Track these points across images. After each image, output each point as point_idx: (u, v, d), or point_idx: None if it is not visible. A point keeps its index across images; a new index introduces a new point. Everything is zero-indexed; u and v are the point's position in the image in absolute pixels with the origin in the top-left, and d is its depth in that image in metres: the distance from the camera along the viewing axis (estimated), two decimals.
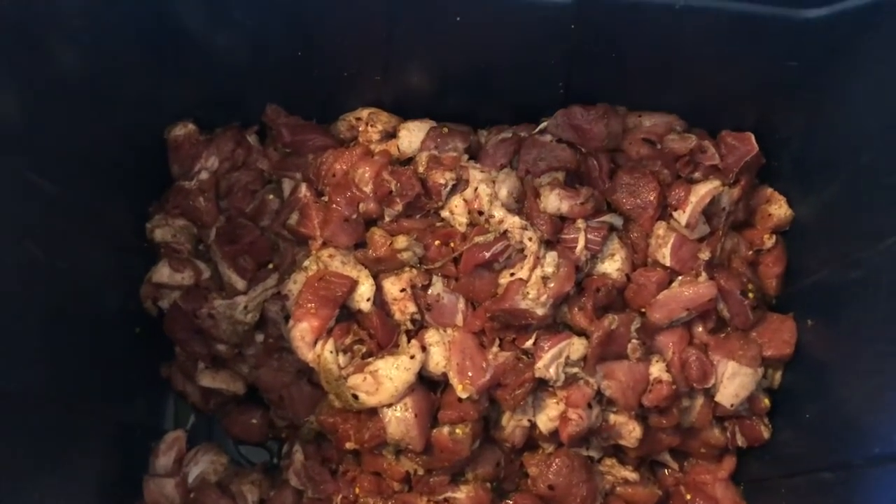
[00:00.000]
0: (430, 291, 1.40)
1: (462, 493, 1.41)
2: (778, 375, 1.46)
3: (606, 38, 1.24)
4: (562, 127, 1.39)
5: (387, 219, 1.42)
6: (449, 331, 1.39)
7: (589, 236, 1.37)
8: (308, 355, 1.36)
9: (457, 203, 1.39)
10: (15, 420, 1.16)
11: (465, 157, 1.43)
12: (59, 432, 1.30)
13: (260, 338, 1.48)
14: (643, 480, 1.48)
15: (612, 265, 1.39)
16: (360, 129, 1.49)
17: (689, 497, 1.49)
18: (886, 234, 1.21)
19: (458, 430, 1.36)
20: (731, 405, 1.39)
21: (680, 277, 1.39)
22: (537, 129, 1.43)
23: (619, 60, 1.30)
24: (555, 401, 1.38)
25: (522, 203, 1.38)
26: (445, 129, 1.44)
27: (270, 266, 1.49)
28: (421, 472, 1.41)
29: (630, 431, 1.40)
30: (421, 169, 1.41)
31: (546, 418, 1.38)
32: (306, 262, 1.42)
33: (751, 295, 1.40)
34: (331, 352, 1.35)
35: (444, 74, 1.40)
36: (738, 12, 1.16)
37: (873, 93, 1.22)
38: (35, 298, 1.24)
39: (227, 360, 1.50)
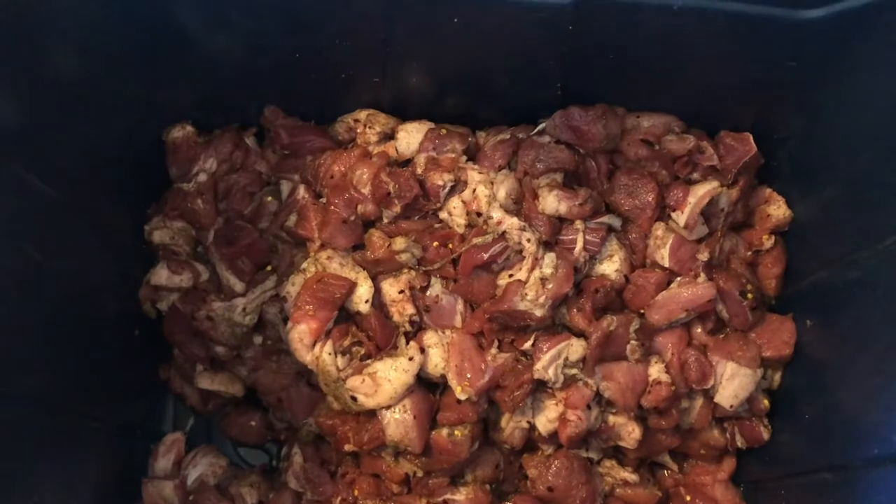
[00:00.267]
0: (428, 293, 1.40)
1: (461, 494, 1.41)
2: (777, 376, 1.46)
3: (604, 38, 1.24)
4: (560, 128, 1.39)
5: (385, 220, 1.42)
6: (448, 332, 1.39)
7: (587, 237, 1.37)
8: (306, 357, 1.36)
9: (455, 204, 1.39)
10: (13, 422, 1.16)
11: (464, 158, 1.42)
12: (58, 435, 1.30)
13: (258, 340, 1.48)
14: (643, 482, 1.47)
15: (610, 266, 1.39)
16: (359, 130, 1.49)
17: (688, 498, 1.48)
18: (885, 234, 1.21)
19: (456, 432, 1.36)
20: (731, 406, 1.39)
21: (679, 278, 1.39)
22: (535, 131, 1.43)
23: (616, 61, 1.30)
24: (554, 402, 1.38)
25: (521, 204, 1.38)
26: (444, 131, 1.44)
27: (269, 268, 1.49)
28: (420, 473, 1.41)
29: (629, 433, 1.40)
30: (419, 170, 1.41)
31: (545, 420, 1.38)
32: (305, 264, 1.42)
33: (750, 296, 1.39)
34: (329, 353, 1.34)
35: (442, 76, 1.40)
36: (736, 12, 1.15)
37: (872, 93, 1.22)
38: (33, 301, 1.23)
39: (226, 362, 1.50)
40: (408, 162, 1.46)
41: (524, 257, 1.35)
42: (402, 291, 1.39)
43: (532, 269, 1.33)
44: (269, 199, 1.51)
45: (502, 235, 1.35)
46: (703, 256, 1.38)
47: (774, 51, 1.24)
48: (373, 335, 1.38)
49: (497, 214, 1.36)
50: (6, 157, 1.16)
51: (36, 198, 1.24)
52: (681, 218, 1.37)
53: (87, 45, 1.26)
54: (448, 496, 1.41)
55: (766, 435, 1.44)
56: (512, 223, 1.35)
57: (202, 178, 1.51)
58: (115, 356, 1.47)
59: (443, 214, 1.41)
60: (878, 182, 1.24)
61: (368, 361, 1.35)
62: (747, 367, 1.38)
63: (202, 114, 1.52)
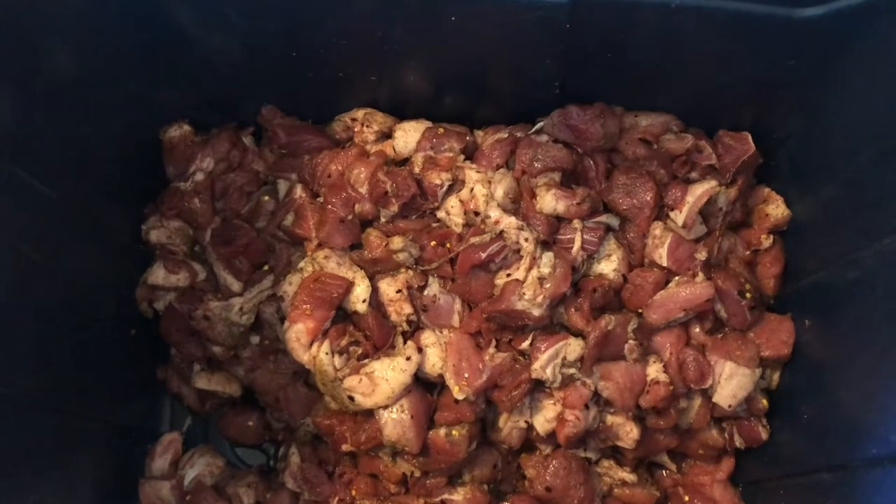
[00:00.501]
0: (426, 292, 1.40)
1: (459, 494, 1.40)
2: (776, 376, 1.45)
3: (602, 37, 1.24)
4: (558, 127, 1.39)
5: (382, 220, 1.42)
6: (445, 332, 1.39)
7: (585, 237, 1.36)
8: (304, 357, 1.36)
9: (453, 204, 1.39)
10: (10, 423, 1.16)
11: (461, 157, 1.42)
12: (55, 435, 1.29)
13: (255, 339, 1.48)
14: (641, 482, 1.47)
15: (608, 266, 1.39)
16: (356, 129, 1.49)
17: (687, 498, 1.48)
18: (884, 233, 1.20)
19: (454, 432, 1.36)
20: (729, 406, 1.39)
21: (677, 278, 1.38)
22: (533, 130, 1.42)
23: (614, 60, 1.29)
24: (552, 402, 1.38)
25: (519, 203, 1.37)
26: (441, 130, 1.44)
27: (266, 267, 1.48)
28: (417, 473, 1.41)
29: (627, 432, 1.39)
30: (417, 169, 1.41)
31: (543, 419, 1.38)
32: (302, 264, 1.41)
33: (748, 295, 1.39)
34: (326, 353, 1.34)
35: (440, 75, 1.39)
36: (734, 11, 1.15)
37: (870, 92, 1.22)
38: (29, 301, 1.23)
39: (223, 362, 1.50)
40: (405, 161, 1.45)
41: (522, 257, 1.34)
42: (399, 291, 1.39)
43: (530, 269, 1.33)
44: (267, 198, 1.51)
45: (500, 235, 1.35)
46: (702, 256, 1.38)
47: (773, 49, 1.23)
48: (370, 335, 1.37)
49: (495, 214, 1.35)
50: (2, 157, 1.16)
51: (32, 197, 1.24)
52: (679, 217, 1.37)
53: (84, 45, 1.25)
54: (446, 496, 1.40)
55: (764, 435, 1.44)
56: (510, 222, 1.34)
57: (199, 177, 1.51)
58: (112, 356, 1.47)
59: (440, 214, 1.40)
60: (877, 181, 1.23)
61: (366, 361, 1.35)
62: (746, 367, 1.38)
63: (199, 113, 1.52)
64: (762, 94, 1.36)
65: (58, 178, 1.28)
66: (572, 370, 1.35)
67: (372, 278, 1.39)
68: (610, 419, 1.40)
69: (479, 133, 1.49)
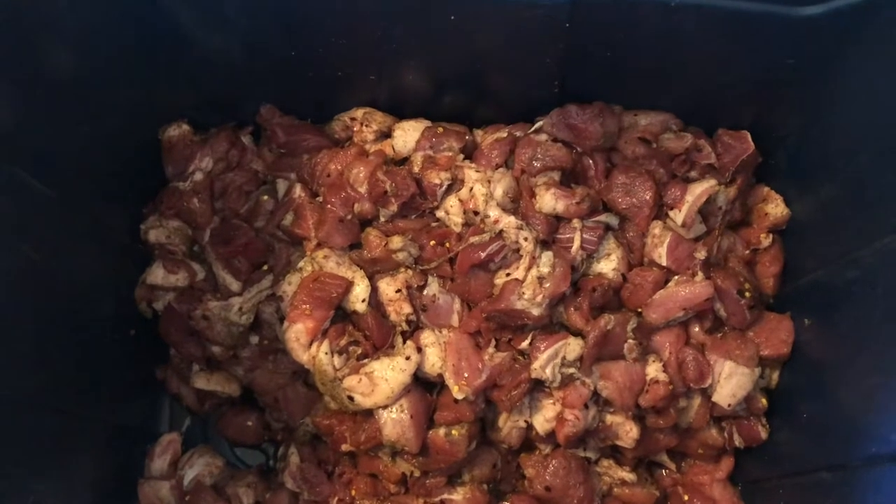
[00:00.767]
0: (425, 292, 1.40)
1: (459, 494, 1.40)
2: (775, 375, 1.45)
3: (601, 36, 1.24)
4: (557, 126, 1.39)
5: (382, 219, 1.42)
6: (445, 331, 1.38)
7: (585, 236, 1.36)
8: (303, 357, 1.36)
9: (452, 203, 1.39)
10: (9, 423, 1.16)
11: (461, 156, 1.42)
12: (54, 435, 1.29)
13: (255, 339, 1.48)
14: (640, 481, 1.47)
15: (608, 265, 1.38)
16: (355, 128, 1.49)
17: (686, 498, 1.48)
18: (884, 233, 1.20)
19: (454, 432, 1.36)
20: (729, 405, 1.39)
21: (676, 277, 1.38)
22: (533, 129, 1.42)
23: (614, 59, 1.29)
24: (551, 401, 1.37)
25: (518, 203, 1.37)
26: (440, 129, 1.44)
27: (265, 267, 1.48)
28: (417, 473, 1.41)
29: (627, 432, 1.39)
30: (416, 169, 1.41)
31: (542, 419, 1.38)
32: (301, 263, 1.41)
33: (748, 294, 1.39)
34: (326, 353, 1.34)
35: (439, 74, 1.39)
36: (733, 10, 1.15)
37: (870, 91, 1.22)
38: (28, 301, 1.23)
39: (222, 362, 1.50)
40: (405, 160, 1.45)
41: (521, 256, 1.34)
42: (398, 290, 1.38)
43: (529, 268, 1.33)
44: (266, 198, 1.51)
45: (499, 234, 1.35)
46: (701, 255, 1.38)
47: (772, 48, 1.23)
48: (370, 334, 1.37)
49: (494, 213, 1.35)
50: (2, 157, 1.15)
51: (32, 197, 1.24)
52: (678, 216, 1.37)
53: (83, 45, 1.25)
54: (445, 496, 1.40)
55: (764, 434, 1.44)
56: (509, 222, 1.34)
57: (198, 176, 1.51)
58: (112, 356, 1.47)
59: (440, 213, 1.40)
60: (877, 180, 1.23)
61: (365, 361, 1.35)
62: (745, 366, 1.38)
63: (198, 112, 1.52)
64: (762, 93, 1.36)
65: (57, 177, 1.28)
66: (572, 370, 1.35)
67: (371, 278, 1.39)
68: (609, 419, 1.40)
69: (478, 132, 1.49)
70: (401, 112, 1.49)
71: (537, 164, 1.37)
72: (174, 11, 1.27)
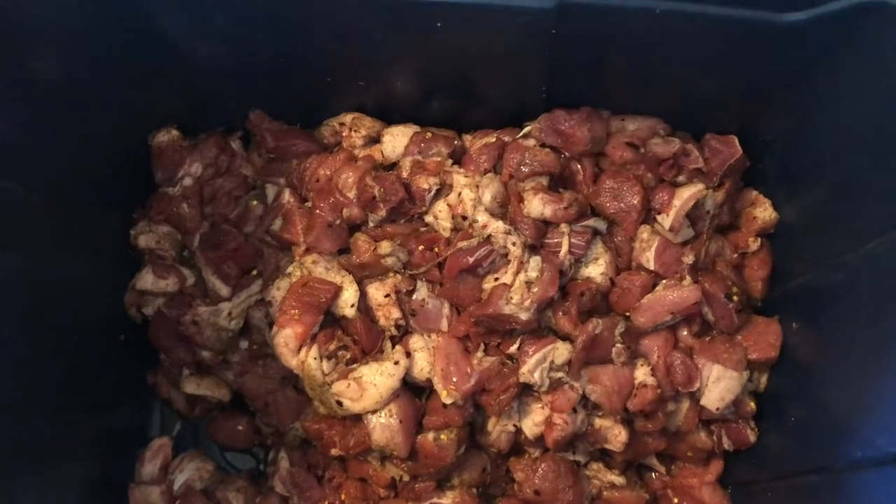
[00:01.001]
0: (414, 297, 1.40)
1: (448, 498, 1.41)
2: (764, 379, 1.46)
3: (587, 42, 1.24)
4: (545, 131, 1.39)
5: (371, 224, 1.42)
6: (433, 336, 1.39)
7: (573, 241, 1.36)
8: (292, 362, 1.36)
9: (441, 208, 1.39)
10: None
11: (449, 161, 1.42)
12: (44, 440, 1.29)
13: (244, 344, 1.48)
14: (630, 484, 1.48)
15: (596, 269, 1.39)
16: (344, 134, 1.49)
17: (676, 501, 1.49)
18: (870, 237, 1.21)
19: (443, 436, 1.36)
20: (717, 409, 1.39)
21: (664, 281, 1.38)
22: (521, 134, 1.42)
23: (600, 65, 1.30)
24: (540, 406, 1.38)
25: (506, 208, 1.37)
26: (429, 134, 1.44)
27: (254, 272, 1.48)
28: (406, 478, 1.41)
29: (616, 436, 1.40)
30: (405, 174, 1.41)
31: (531, 423, 1.38)
32: (290, 269, 1.41)
33: (736, 298, 1.39)
34: (315, 358, 1.34)
35: (427, 79, 1.39)
36: (717, 16, 1.15)
37: (855, 95, 1.22)
38: (16, 307, 1.23)
39: (212, 367, 1.50)
40: (393, 165, 1.45)
41: (510, 261, 1.35)
42: (387, 295, 1.39)
43: (517, 273, 1.33)
44: (255, 203, 1.51)
45: (488, 239, 1.35)
46: (689, 259, 1.38)
47: (758, 54, 1.23)
48: (358, 339, 1.37)
49: (482, 218, 1.35)
50: None
51: (19, 203, 1.23)
52: (666, 221, 1.37)
53: (70, 51, 1.25)
54: (435, 500, 1.41)
55: (752, 437, 1.44)
56: (497, 227, 1.35)
57: (187, 182, 1.51)
58: (101, 361, 1.47)
59: (428, 218, 1.40)
60: (863, 185, 1.24)
61: (354, 366, 1.35)
62: (733, 370, 1.38)
63: (187, 118, 1.52)
64: (748, 97, 1.36)
65: (45, 183, 1.28)
66: (560, 374, 1.36)
67: (360, 283, 1.39)
68: (598, 422, 1.40)
69: (466, 137, 1.49)
70: (389, 117, 1.49)
71: (525, 169, 1.37)
72: (162, 17, 1.27)
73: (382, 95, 1.45)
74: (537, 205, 1.34)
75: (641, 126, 1.43)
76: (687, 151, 1.41)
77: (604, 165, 1.43)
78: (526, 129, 1.42)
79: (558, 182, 1.41)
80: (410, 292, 1.40)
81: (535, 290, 1.31)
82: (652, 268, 1.38)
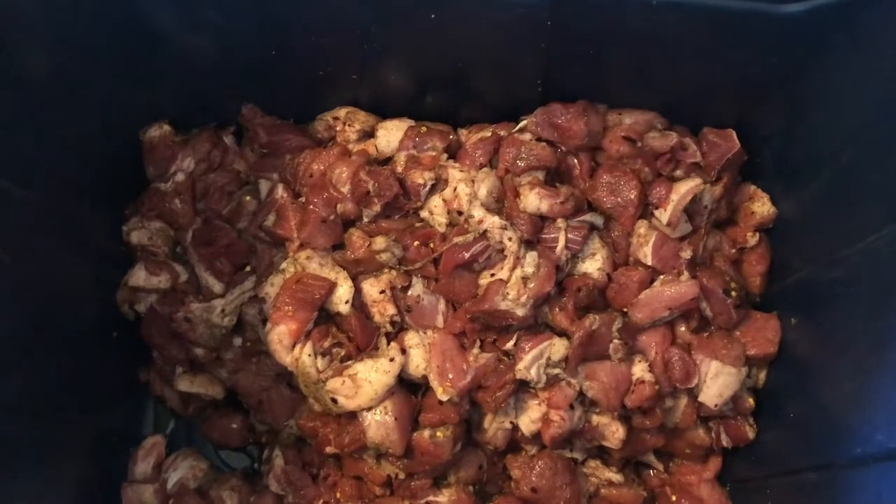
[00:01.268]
0: (409, 293, 1.39)
1: (444, 496, 1.40)
2: (762, 375, 1.45)
3: (583, 35, 1.23)
4: (541, 125, 1.38)
5: (365, 219, 1.41)
6: (429, 332, 1.38)
7: (569, 236, 1.35)
8: (286, 359, 1.34)
9: (436, 203, 1.38)
10: None
11: (444, 156, 1.41)
12: (36, 439, 1.28)
13: (238, 341, 1.47)
14: (628, 482, 1.47)
15: (592, 265, 1.38)
16: (338, 128, 1.48)
17: (674, 498, 1.48)
18: (868, 231, 1.20)
19: (438, 434, 1.35)
20: (716, 405, 1.38)
21: (662, 276, 1.37)
22: (517, 128, 1.41)
23: (596, 58, 1.28)
24: (536, 402, 1.37)
25: (502, 203, 1.36)
26: (424, 129, 1.43)
27: (248, 269, 1.47)
28: (402, 475, 1.40)
29: (613, 432, 1.39)
30: (399, 169, 1.40)
31: (528, 420, 1.37)
32: (284, 265, 1.40)
33: (734, 293, 1.38)
34: (309, 355, 1.33)
35: (422, 73, 1.39)
36: (714, 8, 1.14)
37: (853, 88, 1.21)
38: (6, 305, 1.22)
39: (205, 365, 1.48)
40: (388, 160, 1.44)
41: (506, 256, 1.33)
42: (382, 291, 1.37)
43: (514, 269, 1.32)
44: (248, 198, 1.50)
45: (483, 234, 1.34)
46: (687, 254, 1.37)
47: (755, 47, 1.23)
48: (353, 336, 1.36)
49: (478, 213, 1.34)
50: None
51: (8, 199, 1.22)
52: (664, 215, 1.36)
53: (60, 45, 1.24)
54: (431, 498, 1.39)
55: (751, 434, 1.43)
56: (493, 222, 1.33)
57: (180, 177, 1.50)
58: (94, 359, 1.45)
59: (423, 213, 1.39)
60: (861, 179, 1.23)
61: (349, 363, 1.34)
62: (732, 366, 1.37)
63: (179, 113, 1.51)
64: (746, 91, 1.35)
65: (35, 179, 1.27)
66: (557, 370, 1.35)
67: (355, 279, 1.38)
68: (595, 419, 1.39)
69: (462, 132, 1.48)
70: (384, 111, 1.48)
71: (521, 164, 1.36)
72: (153, 12, 1.26)
73: (376, 89, 1.44)
74: (533, 199, 1.33)
75: (638, 120, 1.42)
76: (684, 145, 1.40)
77: (600, 160, 1.42)
78: (522, 124, 1.41)
79: (555, 177, 1.40)
80: (405, 288, 1.39)
81: (532, 285, 1.30)
82: (649, 263, 1.37)
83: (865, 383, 1.17)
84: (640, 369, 1.37)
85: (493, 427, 1.39)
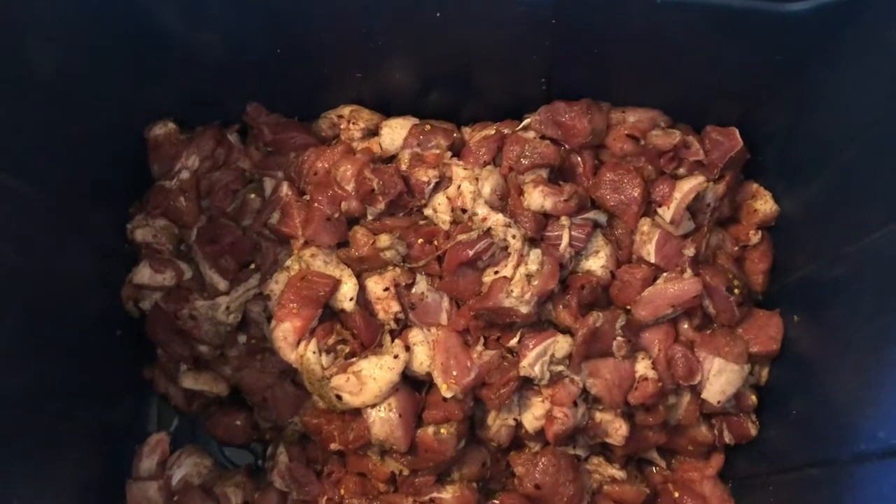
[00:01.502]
0: (413, 290, 1.39)
1: (448, 493, 1.40)
2: (765, 372, 1.45)
3: (587, 33, 1.23)
4: (545, 123, 1.38)
5: (369, 217, 1.41)
6: (433, 330, 1.38)
7: (573, 233, 1.36)
8: (291, 356, 1.35)
9: (440, 201, 1.38)
10: None
11: (448, 154, 1.41)
12: (41, 436, 1.29)
13: (242, 339, 1.47)
14: (630, 479, 1.47)
15: (596, 262, 1.38)
16: (342, 126, 1.48)
17: (677, 495, 1.48)
18: (870, 229, 1.20)
19: (442, 430, 1.35)
20: (718, 402, 1.39)
21: (665, 274, 1.38)
22: (521, 126, 1.42)
23: (600, 56, 1.29)
24: (540, 399, 1.37)
25: (506, 200, 1.36)
26: (428, 127, 1.43)
27: (252, 266, 1.47)
28: (406, 472, 1.40)
29: (616, 429, 1.39)
30: (403, 167, 1.40)
31: (532, 417, 1.38)
32: (288, 262, 1.40)
33: (737, 291, 1.39)
34: (314, 352, 1.33)
35: (426, 71, 1.39)
36: (719, 6, 1.14)
37: (856, 87, 1.21)
38: (12, 302, 1.22)
39: (210, 362, 1.49)
40: (392, 158, 1.44)
41: (510, 254, 1.34)
42: (387, 289, 1.38)
43: (517, 266, 1.32)
44: (253, 196, 1.50)
45: (487, 232, 1.34)
46: (690, 252, 1.37)
47: (759, 44, 1.23)
48: (357, 333, 1.36)
49: (482, 211, 1.35)
50: None
51: (13, 196, 1.23)
52: (667, 213, 1.36)
53: (66, 43, 1.24)
54: (434, 494, 1.40)
55: (753, 431, 1.43)
56: (497, 219, 1.34)
57: (185, 175, 1.50)
58: (98, 356, 1.46)
59: (427, 211, 1.40)
60: (864, 177, 1.23)
61: (353, 360, 1.34)
62: (734, 363, 1.38)
63: (184, 111, 1.51)
64: (749, 89, 1.35)
65: (40, 176, 1.27)
66: (560, 367, 1.35)
67: (359, 276, 1.38)
68: (599, 416, 1.39)
69: (466, 130, 1.48)
70: (388, 110, 1.49)
71: (525, 162, 1.36)
72: (158, 10, 1.26)
73: (381, 87, 1.44)
74: (537, 197, 1.34)
75: (642, 118, 1.42)
76: (687, 143, 1.40)
77: (604, 158, 1.43)
78: (525, 121, 1.41)
79: (558, 174, 1.40)
80: (410, 286, 1.39)
81: (536, 283, 1.30)
82: (653, 261, 1.37)
83: (867, 380, 1.17)
84: (643, 366, 1.37)
85: (497, 424, 1.39)
